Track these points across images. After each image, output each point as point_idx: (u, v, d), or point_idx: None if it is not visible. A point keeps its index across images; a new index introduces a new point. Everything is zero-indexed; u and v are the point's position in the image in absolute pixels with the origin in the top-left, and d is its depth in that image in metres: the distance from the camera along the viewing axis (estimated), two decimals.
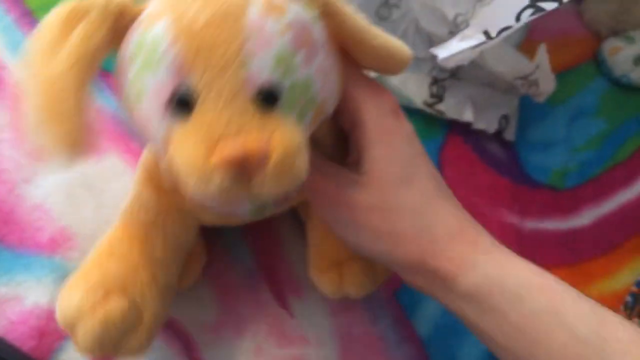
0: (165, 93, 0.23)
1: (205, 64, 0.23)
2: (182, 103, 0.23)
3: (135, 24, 0.25)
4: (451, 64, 0.36)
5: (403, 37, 0.48)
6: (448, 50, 0.34)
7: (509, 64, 0.38)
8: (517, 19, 0.31)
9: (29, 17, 0.48)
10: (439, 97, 0.48)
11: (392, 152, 0.30)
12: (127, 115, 0.26)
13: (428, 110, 0.48)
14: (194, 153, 0.22)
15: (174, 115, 0.23)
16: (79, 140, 0.24)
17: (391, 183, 0.29)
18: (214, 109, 0.23)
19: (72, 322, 0.28)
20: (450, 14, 0.39)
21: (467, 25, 0.39)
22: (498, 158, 0.49)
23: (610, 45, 0.54)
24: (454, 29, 0.41)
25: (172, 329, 0.38)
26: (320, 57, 0.25)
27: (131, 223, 0.32)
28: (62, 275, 0.37)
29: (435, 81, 0.48)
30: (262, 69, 0.23)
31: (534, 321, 0.27)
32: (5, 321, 0.36)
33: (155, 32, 0.23)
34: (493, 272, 0.28)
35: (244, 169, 0.22)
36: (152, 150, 0.32)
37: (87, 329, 0.28)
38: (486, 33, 0.33)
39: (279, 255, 0.42)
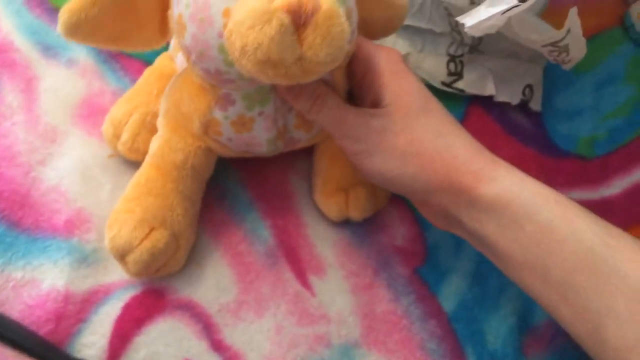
0: None
1: None
2: None
3: None
4: (478, 33, 0.34)
5: (419, 11, 0.46)
6: (476, 17, 0.32)
7: (538, 31, 0.36)
8: None
9: None
10: (457, 75, 0.47)
11: (410, 86, 0.32)
12: (185, 21, 0.28)
13: (446, 89, 0.47)
14: (256, 1, 0.25)
15: None
16: None
17: (414, 110, 0.32)
18: None
19: (123, 254, 0.34)
20: None
21: None
22: (523, 128, 0.47)
23: (638, 10, 0.51)
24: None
25: (192, 311, 0.37)
26: None
27: (163, 165, 0.36)
28: (78, 257, 0.37)
29: (452, 58, 0.47)
30: None
31: (550, 231, 0.28)
32: (22, 305, 0.35)
33: None
34: (512, 184, 0.29)
35: (299, 12, 0.25)
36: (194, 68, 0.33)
37: (137, 259, 0.34)
38: None
39: (300, 233, 0.41)
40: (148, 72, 0.42)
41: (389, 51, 0.34)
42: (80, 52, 0.45)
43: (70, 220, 0.38)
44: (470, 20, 0.33)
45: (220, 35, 0.28)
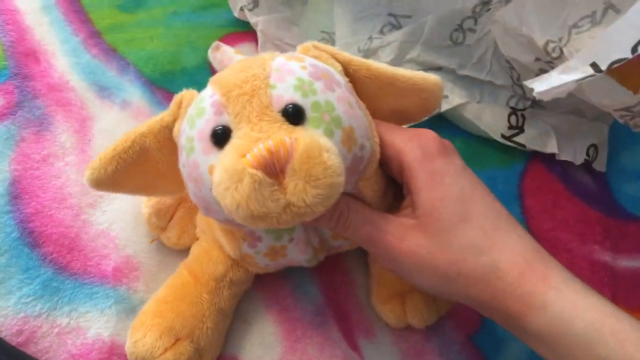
0: (207, 131, 0.27)
1: (236, 97, 0.27)
2: (220, 135, 0.26)
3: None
4: (548, 98, 0.32)
5: (479, 63, 0.45)
6: (547, 84, 0.31)
7: (611, 96, 0.34)
8: (634, 50, 0.27)
9: (97, 38, 0.48)
10: (518, 128, 0.45)
11: (444, 191, 0.29)
12: (185, 179, 0.29)
13: (507, 142, 0.45)
14: (228, 161, 0.24)
15: (216, 148, 0.26)
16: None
17: (448, 223, 0.29)
18: (247, 127, 0.26)
19: None
20: (540, 40, 0.36)
21: (560, 54, 0.36)
22: (587, 188, 0.45)
23: None
24: (543, 57, 0.37)
25: None
26: (341, 90, 0.28)
27: (201, 275, 0.34)
28: (126, 307, 0.36)
29: (514, 111, 0.45)
30: (286, 91, 0.26)
31: None
32: (66, 354, 0.34)
33: (202, 94, 0.29)
34: (563, 313, 0.26)
35: (272, 165, 0.24)
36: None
37: None
38: (594, 66, 0.29)
39: (350, 292, 0.39)
40: None
41: (423, 142, 0.30)
42: (134, 94, 0.45)
43: (118, 268, 0.37)
44: (540, 85, 0.32)
45: (212, 191, 0.26)
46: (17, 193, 0.39)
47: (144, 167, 0.31)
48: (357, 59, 0.30)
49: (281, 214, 0.24)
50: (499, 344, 0.38)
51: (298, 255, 0.33)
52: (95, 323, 0.35)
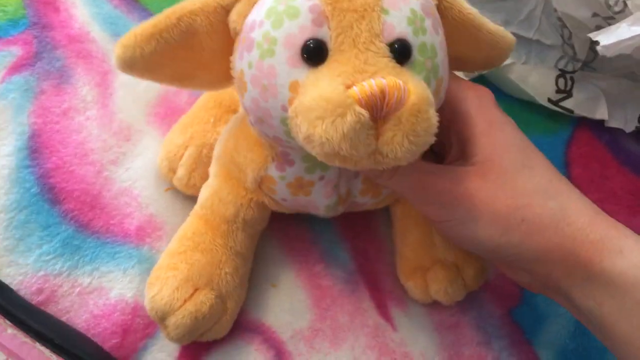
0: (300, 40, 0.23)
1: (343, 11, 0.23)
2: (316, 51, 0.23)
3: None
4: (613, 53, 0.29)
5: (527, 19, 0.42)
6: (615, 36, 0.28)
7: None
8: None
9: None
10: (566, 92, 0.42)
11: (507, 138, 0.28)
12: (248, 81, 0.25)
13: (553, 107, 0.42)
14: (329, 87, 0.22)
15: (306, 64, 0.23)
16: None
17: (513, 168, 0.27)
18: (350, 51, 0.23)
19: (163, 316, 0.30)
20: None
21: (624, 7, 0.33)
22: (637, 158, 0.42)
23: None
24: (602, 12, 0.34)
25: (264, 335, 0.34)
26: (442, 34, 0.26)
27: (212, 218, 0.32)
28: (149, 267, 0.34)
29: (562, 74, 0.42)
30: (399, 21, 0.23)
31: None
32: (88, 315, 0.33)
33: None
34: None
35: (381, 107, 0.21)
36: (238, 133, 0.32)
37: (178, 323, 0.30)
38: None
39: (382, 259, 0.37)
40: (206, 96, 0.38)
41: (480, 93, 0.29)
42: None
43: (141, 227, 0.36)
44: (607, 38, 0.29)
45: (284, 109, 0.24)
46: (36, 147, 0.37)
47: (187, 53, 0.27)
48: None
49: (364, 159, 0.22)
50: (539, 319, 0.37)
51: (321, 197, 0.31)
52: (117, 283, 0.34)
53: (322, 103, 0.21)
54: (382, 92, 0.21)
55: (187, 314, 0.30)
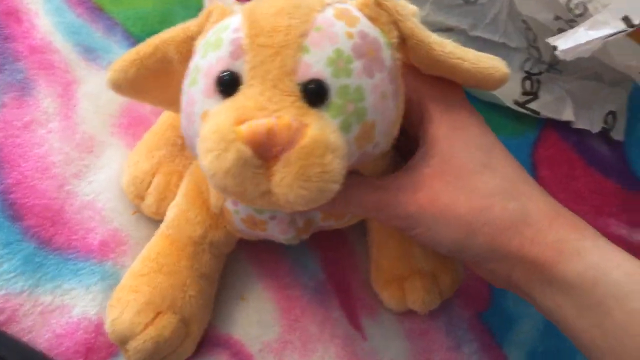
0: (216, 71, 0.23)
1: (260, 46, 0.23)
2: (228, 83, 0.23)
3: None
4: (571, 57, 0.29)
5: (492, 23, 0.42)
6: (572, 40, 0.28)
7: (638, 57, 0.32)
8: None
9: None
10: (532, 94, 0.42)
11: (469, 139, 0.27)
12: (182, 105, 0.26)
13: (520, 109, 0.42)
14: (221, 121, 0.22)
15: (219, 95, 0.23)
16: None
17: (472, 168, 0.27)
18: (258, 87, 0.22)
19: (124, 340, 0.30)
20: None
21: (584, 11, 0.33)
22: (603, 158, 0.42)
23: None
24: (564, 15, 0.34)
25: (233, 350, 0.34)
26: (382, 76, 0.24)
27: (178, 238, 0.32)
28: (112, 283, 0.34)
29: (528, 76, 0.42)
30: (317, 61, 0.23)
31: None
32: (50, 334, 0.32)
33: (228, 20, 0.25)
34: (598, 261, 0.25)
35: (268, 148, 0.21)
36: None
37: (139, 347, 0.29)
38: (626, 20, 0.26)
39: (352, 268, 0.37)
40: (171, 112, 0.36)
41: (448, 93, 0.28)
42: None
43: (105, 242, 0.35)
44: (565, 43, 0.29)
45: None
46: None
47: (166, 78, 0.28)
48: (419, 34, 0.25)
49: (257, 199, 0.22)
50: (508, 322, 0.37)
51: (278, 234, 0.30)
52: (80, 301, 0.33)
53: (211, 135, 0.21)
54: (270, 131, 0.21)
55: (148, 338, 0.29)
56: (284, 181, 0.21)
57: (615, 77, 0.42)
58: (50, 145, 0.38)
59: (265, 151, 0.21)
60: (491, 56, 0.27)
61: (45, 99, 0.39)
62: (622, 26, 0.27)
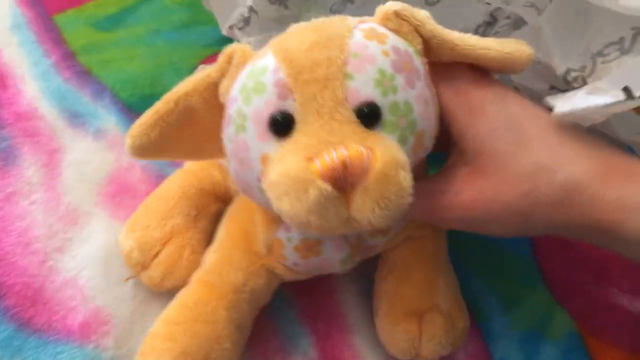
0: (266, 114, 0.24)
1: (306, 82, 0.23)
2: (282, 124, 0.23)
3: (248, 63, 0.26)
4: (566, 121, 0.28)
5: None
6: (570, 104, 0.27)
7: None
8: None
9: (71, 60, 0.44)
10: None
11: (490, 122, 0.26)
12: (228, 154, 0.26)
13: None
14: (292, 163, 0.22)
15: (274, 136, 0.24)
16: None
17: (505, 153, 0.25)
18: (316, 122, 0.23)
19: None
20: (560, 68, 0.32)
21: (583, 84, 0.32)
22: None
23: None
24: (560, 85, 0.34)
25: None
26: (421, 85, 0.25)
27: (220, 285, 0.31)
28: None
29: None
30: (364, 85, 0.23)
31: None
32: None
33: (261, 63, 0.25)
34: None
35: (344, 179, 0.21)
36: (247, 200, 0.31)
37: None
38: (627, 90, 0.25)
39: (346, 342, 0.35)
40: (184, 179, 0.35)
41: (452, 77, 0.27)
42: (110, 121, 0.41)
43: (86, 322, 0.33)
44: (562, 105, 0.28)
45: (259, 180, 0.24)
46: None
47: (191, 129, 0.28)
48: (440, 33, 0.26)
49: (339, 227, 0.22)
50: None
51: (333, 252, 0.30)
52: None
53: (285, 180, 0.22)
54: (344, 163, 0.21)
55: None
56: (366, 206, 0.22)
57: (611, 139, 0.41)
58: (33, 217, 0.37)
59: (342, 182, 0.22)
60: (513, 40, 0.28)
61: (29, 168, 0.38)
62: (621, 96, 0.26)
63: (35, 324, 0.33)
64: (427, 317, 0.32)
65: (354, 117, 0.23)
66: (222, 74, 0.27)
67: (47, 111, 0.41)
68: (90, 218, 0.37)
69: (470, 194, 0.26)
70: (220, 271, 0.31)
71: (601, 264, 0.39)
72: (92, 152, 0.40)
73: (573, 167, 0.25)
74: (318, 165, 0.21)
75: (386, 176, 0.22)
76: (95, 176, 0.39)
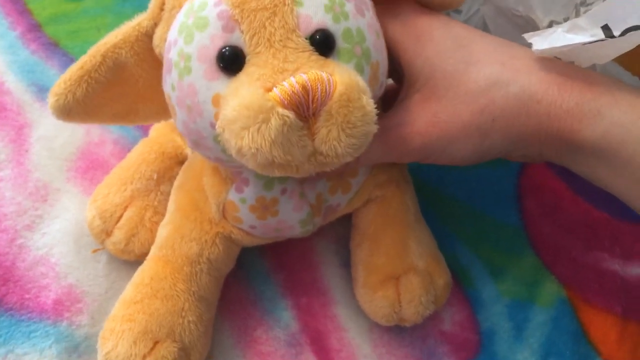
0: (213, 51, 0.22)
1: (252, 11, 0.22)
2: (231, 58, 0.22)
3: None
4: (547, 56, 0.27)
5: None
6: (549, 41, 0.26)
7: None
8: None
9: (37, 31, 0.42)
10: None
11: (438, 45, 0.26)
12: (174, 105, 0.24)
13: None
14: (249, 94, 0.20)
15: (224, 74, 0.22)
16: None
17: (456, 72, 0.25)
18: (267, 52, 0.22)
19: None
20: (542, 21, 0.31)
21: None
22: (592, 186, 0.40)
23: None
24: None
25: None
26: (370, 15, 0.24)
27: (174, 258, 0.29)
28: (67, 346, 0.31)
29: None
30: (315, 11, 0.22)
31: None
32: None
33: (197, 0, 0.23)
34: (622, 117, 0.23)
35: (306, 106, 0.20)
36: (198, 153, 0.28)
37: None
38: (606, 29, 0.24)
39: (327, 314, 0.34)
40: (145, 145, 0.35)
41: (397, 10, 0.27)
42: None
43: (59, 300, 0.32)
44: (541, 42, 0.26)
45: (213, 126, 0.22)
46: None
47: (122, 88, 0.26)
48: None
49: (304, 163, 0.21)
50: None
51: (291, 212, 0.29)
52: None
53: (243, 111, 0.20)
54: (305, 89, 0.20)
55: None
56: (331, 134, 0.21)
57: None
58: (2, 194, 0.35)
59: (305, 110, 0.20)
60: None
61: None
62: (601, 34, 0.25)
63: (8, 302, 0.32)
64: (403, 280, 0.31)
65: (308, 45, 0.22)
66: (155, 22, 0.25)
67: (14, 86, 0.39)
68: (61, 195, 0.36)
69: (425, 120, 0.25)
70: (173, 244, 0.29)
71: (591, 229, 0.38)
72: (61, 127, 0.38)
73: (528, 77, 0.24)
74: (277, 93, 0.20)
75: (350, 99, 0.20)
76: (64, 151, 0.37)
